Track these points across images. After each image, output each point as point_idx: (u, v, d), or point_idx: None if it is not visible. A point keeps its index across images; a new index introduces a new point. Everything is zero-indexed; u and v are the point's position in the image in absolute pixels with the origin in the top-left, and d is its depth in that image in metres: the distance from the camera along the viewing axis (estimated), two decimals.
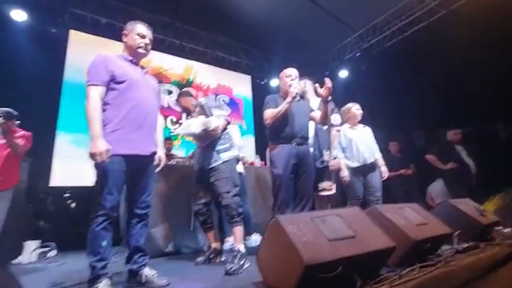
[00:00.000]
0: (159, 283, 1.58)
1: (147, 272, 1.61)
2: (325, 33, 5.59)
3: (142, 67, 1.76)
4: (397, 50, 5.38)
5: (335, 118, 2.76)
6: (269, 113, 2.18)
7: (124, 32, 1.73)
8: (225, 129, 2.24)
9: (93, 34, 4.61)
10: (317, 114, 2.33)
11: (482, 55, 5.12)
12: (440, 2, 4.57)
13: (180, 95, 2.55)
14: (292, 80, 2.24)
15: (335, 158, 2.66)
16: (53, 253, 3.03)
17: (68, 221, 4.13)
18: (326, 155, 2.61)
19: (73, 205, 4.35)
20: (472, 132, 8.22)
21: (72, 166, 3.95)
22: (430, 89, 5.97)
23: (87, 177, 3.95)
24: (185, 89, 2.58)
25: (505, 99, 6.56)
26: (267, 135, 2.32)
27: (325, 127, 2.69)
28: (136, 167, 1.60)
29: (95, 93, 1.51)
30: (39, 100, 3.89)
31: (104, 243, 1.46)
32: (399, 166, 4.31)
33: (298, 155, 2.15)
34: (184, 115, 4.97)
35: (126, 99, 1.58)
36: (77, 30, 4.48)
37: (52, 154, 3.95)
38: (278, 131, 2.19)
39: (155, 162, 1.73)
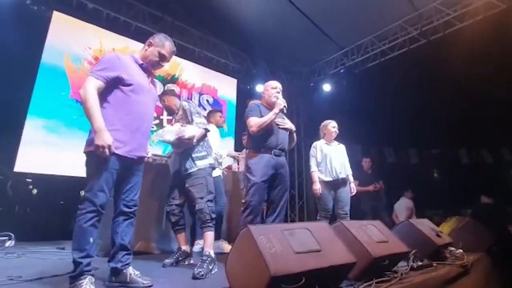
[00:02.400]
0: (143, 283, 1.57)
1: (131, 271, 1.59)
2: (313, 46, 5.77)
3: (150, 73, 1.75)
4: (377, 71, 5.67)
5: None
6: (256, 122, 2.20)
7: (151, 41, 1.72)
8: (204, 136, 2.26)
9: (77, 18, 4.42)
10: None
11: (452, 85, 5.54)
12: (421, 32, 4.88)
13: (163, 93, 2.54)
14: (277, 92, 2.32)
15: None
16: (11, 243, 2.87)
17: (29, 210, 3.92)
18: None
19: (35, 191, 4.13)
20: (437, 155, 8.82)
21: (41, 153, 3.77)
22: (403, 111, 6.36)
23: (56, 165, 3.81)
24: (169, 87, 2.57)
25: (469, 127, 7.13)
26: (249, 141, 2.35)
27: None
28: (127, 168, 1.61)
29: (93, 84, 1.49)
30: (11, 79, 3.67)
31: (91, 240, 1.44)
32: (369, 182, 4.54)
33: (276, 166, 2.20)
34: (165, 112, 4.92)
35: (127, 102, 1.58)
36: (61, 12, 4.28)
37: (20, 138, 3.73)
38: (261, 140, 2.23)
39: None
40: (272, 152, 2.21)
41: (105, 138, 1.42)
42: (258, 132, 2.19)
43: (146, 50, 1.71)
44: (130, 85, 1.58)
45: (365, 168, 4.79)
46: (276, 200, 2.22)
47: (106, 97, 1.54)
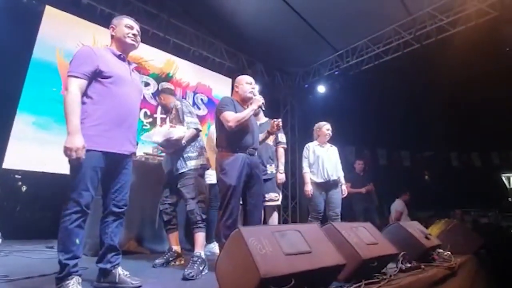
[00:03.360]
0: (133, 284, 1.55)
1: (120, 271, 1.57)
2: (309, 48, 5.80)
3: (129, 63, 1.73)
4: (371, 74, 5.73)
5: (282, 137, 2.89)
6: (234, 116, 2.02)
7: (112, 26, 1.71)
8: (196, 136, 2.23)
9: (70, 13, 4.35)
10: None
11: (444, 90, 5.63)
12: (414, 37, 4.95)
13: (161, 91, 2.52)
14: (253, 88, 2.19)
15: (282, 172, 2.80)
16: None
17: (18, 207, 3.85)
18: (270, 168, 2.74)
19: (24, 188, 4.06)
20: (429, 157, 8.96)
21: (31, 149, 3.70)
22: (396, 114, 6.44)
23: (46, 162, 3.75)
24: (167, 85, 2.54)
25: (460, 131, 7.26)
26: (222, 139, 2.12)
27: (271, 143, 2.82)
28: (114, 165, 1.57)
29: (75, 86, 1.46)
30: (1, 75, 3.59)
31: (77, 241, 1.41)
32: (361, 184, 4.58)
33: (250, 165, 2.08)
34: (159, 109, 4.88)
35: (110, 95, 1.54)
36: (54, 6, 4.21)
37: (9, 134, 3.65)
38: (237, 138, 2.06)
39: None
40: (247, 151, 2.08)
41: (76, 141, 1.37)
42: (235, 128, 2.02)
43: (115, 34, 1.70)
44: (109, 77, 1.55)
45: (357, 170, 4.84)
46: (252, 201, 2.11)
47: (87, 92, 1.51)
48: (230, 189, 1.98)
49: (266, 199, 2.65)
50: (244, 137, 2.07)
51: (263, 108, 2.15)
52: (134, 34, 1.70)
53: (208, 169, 2.37)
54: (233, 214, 1.98)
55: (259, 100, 2.09)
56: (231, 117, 2.01)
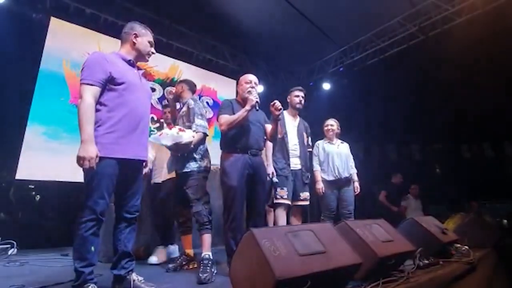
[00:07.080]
0: None
1: (135, 277, 1.58)
2: (312, 45, 5.75)
3: (139, 68, 1.74)
4: (377, 68, 5.64)
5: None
6: (226, 119, 2.04)
7: (135, 32, 1.68)
8: (203, 140, 2.22)
9: (75, 24, 4.42)
10: (269, 127, 2.22)
11: (452, 80, 5.50)
12: (419, 28, 4.86)
13: (183, 81, 2.53)
14: (251, 87, 2.13)
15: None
16: (13, 251, 2.87)
17: (32, 217, 3.91)
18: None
19: (38, 198, 4.12)
20: (439, 150, 8.77)
21: (42, 159, 3.76)
22: (403, 108, 6.32)
23: (58, 171, 3.80)
24: (191, 81, 2.57)
25: (470, 121, 7.08)
26: (221, 141, 2.17)
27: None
28: (127, 171, 1.57)
29: (89, 94, 1.46)
30: (11, 87, 3.67)
31: (92, 248, 1.42)
32: (398, 197, 4.58)
33: (252, 166, 2.06)
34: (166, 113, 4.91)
35: (122, 102, 1.54)
36: (59, 18, 4.28)
37: (21, 145, 3.72)
38: (234, 139, 2.07)
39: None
40: (249, 152, 2.06)
41: (90, 151, 1.37)
42: (228, 131, 2.03)
43: (136, 44, 1.67)
44: (122, 83, 1.54)
45: (395, 182, 4.80)
46: (255, 202, 2.08)
47: (99, 99, 1.50)
48: (231, 190, 1.97)
49: (301, 198, 2.52)
50: (241, 139, 2.06)
51: (257, 108, 2.06)
52: (152, 53, 1.74)
53: (209, 171, 2.36)
54: (236, 216, 1.95)
55: (252, 99, 2.02)
56: (223, 120, 2.06)
